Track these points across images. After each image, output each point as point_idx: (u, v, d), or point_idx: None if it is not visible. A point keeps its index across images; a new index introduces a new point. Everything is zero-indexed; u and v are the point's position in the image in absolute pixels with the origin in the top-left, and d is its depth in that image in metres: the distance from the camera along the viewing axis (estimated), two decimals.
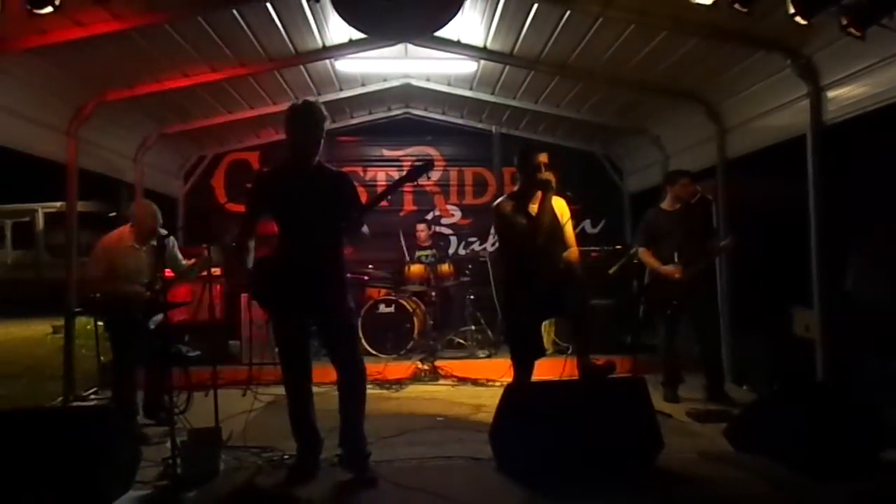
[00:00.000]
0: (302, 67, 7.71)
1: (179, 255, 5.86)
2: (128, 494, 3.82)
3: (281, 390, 4.43)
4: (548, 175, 5.06)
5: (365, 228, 4.32)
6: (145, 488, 3.96)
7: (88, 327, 6.92)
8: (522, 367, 5.13)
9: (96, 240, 5.68)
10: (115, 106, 7.09)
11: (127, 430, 4.16)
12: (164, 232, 5.54)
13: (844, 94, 5.55)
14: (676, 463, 4.41)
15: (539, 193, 5.06)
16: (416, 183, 4.47)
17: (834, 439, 4.18)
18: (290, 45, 6.93)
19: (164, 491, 3.90)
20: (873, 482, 4.02)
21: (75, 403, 6.50)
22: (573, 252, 5.13)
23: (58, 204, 14.78)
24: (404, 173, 4.40)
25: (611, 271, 6.84)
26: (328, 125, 4.29)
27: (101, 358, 6.17)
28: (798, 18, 4.09)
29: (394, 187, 4.60)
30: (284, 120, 4.24)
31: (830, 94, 5.70)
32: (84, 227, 7.44)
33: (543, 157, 5.11)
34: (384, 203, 9.86)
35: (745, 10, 4.21)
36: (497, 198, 5.46)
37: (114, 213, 12.53)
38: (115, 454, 3.81)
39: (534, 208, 5.08)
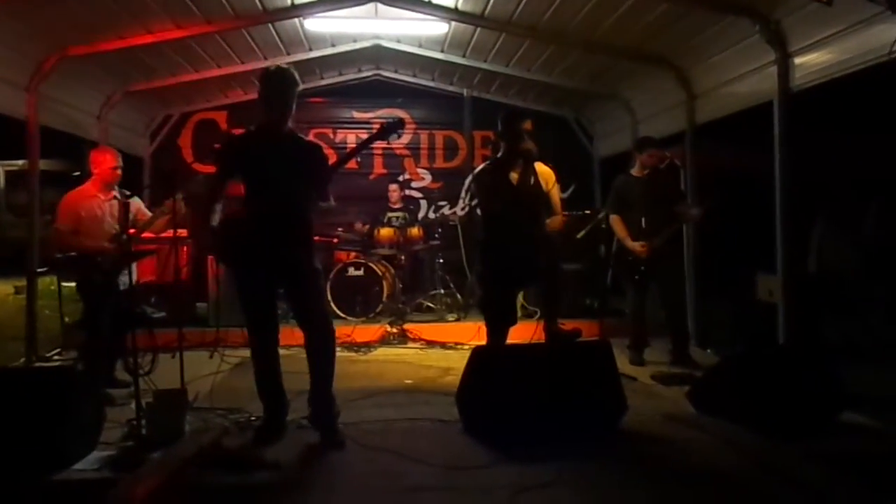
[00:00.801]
0: (270, 26, 7.58)
1: (148, 213, 5.72)
2: (92, 455, 3.80)
3: (248, 352, 4.41)
4: (531, 144, 5.04)
5: (332, 202, 4.33)
6: (109, 449, 3.93)
7: (52, 287, 6.84)
8: (497, 334, 5.16)
9: (59, 199, 5.57)
10: (77, 62, 6.91)
11: (91, 390, 4.11)
12: (127, 193, 5.46)
13: (811, 61, 5.58)
14: (640, 425, 4.49)
15: (521, 161, 5.05)
16: (386, 142, 4.43)
17: (792, 401, 4.26)
18: (258, 2, 6.79)
19: (128, 451, 3.88)
20: (829, 443, 4.12)
21: (38, 364, 6.43)
22: (557, 220, 5.15)
23: (19, 162, 14.46)
24: (374, 131, 4.36)
25: (579, 235, 6.88)
26: (299, 88, 4.25)
27: (66, 319, 6.11)
28: None
29: (363, 145, 4.55)
30: (258, 84, 4.21)
31: (798, 60, 5.72)
32: (47, 186, 7.29)
33: (528, 125, 5.09)
34: (354, 165, 9.94)
35: None
36: (468, 161, 5.44)
37: (78, 173, 12.28)
38: (78, 415, 3.78)
39: (514, 176, 5.06)
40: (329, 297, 8.10)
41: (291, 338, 4.49)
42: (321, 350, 4.27)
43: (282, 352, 4.38)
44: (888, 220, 6.28)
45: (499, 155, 5.25)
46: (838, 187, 6.87)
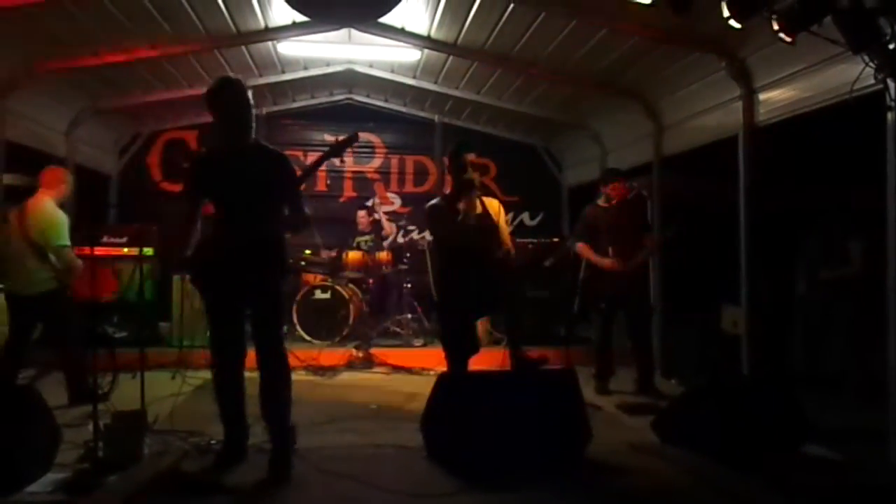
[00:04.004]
0: (244, 48, 7.59)
1: None
2: (46, 477, 3.71)
3: (210, 374, 4.35)
4: (472, 175, 5.10)
5: (306, 212, 4.27)
6: (64, 471, 3.84)
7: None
8: (457, 363, 5.15)
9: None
10: (47, 77, 6.86)
11: (45, 410, 4.02)
12: None
13: (776, 97, 5.70)
14: (605, 454, 4.46)
15: (466, 193, 5.10)
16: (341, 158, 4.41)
17: (756, 433, 4.30)
18: (232, 25, 6.80)
19: (83, 474, 3.79)
20: (793, 475, 4.15)
21: None
22: (508, 254, 5.18)
23: None
24: (328, 149, 4.37)
25: (546, 263, 6.91)
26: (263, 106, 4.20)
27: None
28: (732, 22, 4.17)
29: (319, 163, 4.51)
30: (206, 101, 4.11)
31: (762, 96, 5.85)
32: (10, 201, 7.15)
33: (471, 157, 5.15)
34: (323, 188, 10.01)
35: (681, 18, 4.28)
36: (438, 187, 5.49)
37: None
38: (32, 435, 3.70)
39: (461, 208, 5.10)
40: (295, 320, 8.05)
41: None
42: (276, 384, 4.14)
43: (246, 374, 4.31)
44: (871, 259, 6.35)
45: (448, 190, 5.32)
46: (806, 219, 6.93)
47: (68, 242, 5.41)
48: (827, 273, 6.45)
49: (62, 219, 5.40)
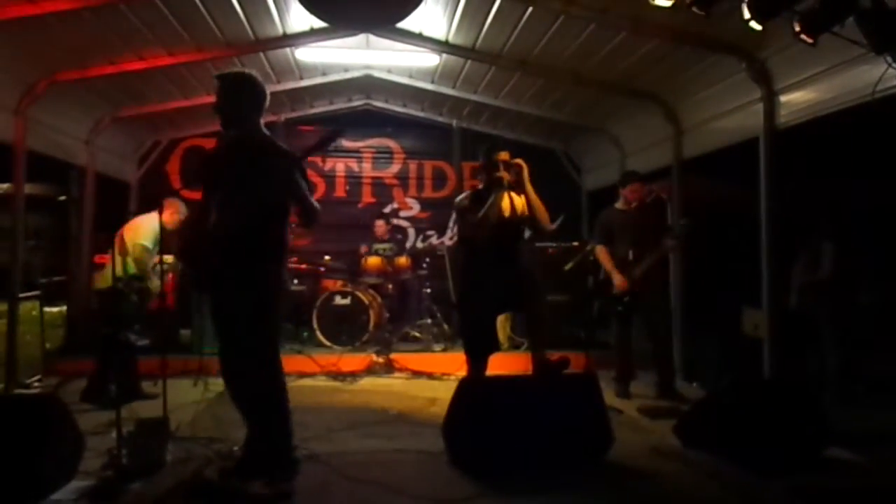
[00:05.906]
0: (261, 54, 7.59)
1: None
2: (70, 485, 3.74)
3: None
4: (503, 174, 5.07)
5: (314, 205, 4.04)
6: (88, 479, 3.87)
7: (34, 313, 6.75)
8: (476, 361, 5.14)
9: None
10: (67, 86, 6.90)
11: (68, 418, 4.04)
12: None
13: (797, 99, 5.65)
14: (626, 458, 4.47)
15: (497, 190, 5.08)
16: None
17: (778, 437, 4.26)
18: (250, 31, 6.82)
19: (107, 482, 3.81)
20: (815, 478, 4.12)
21: (18, 391, 6.34)
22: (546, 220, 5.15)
23: (4, 186, 14.37)
24: (314, 142, 4.14)
25: (566, 267, 6.88)
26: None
27: (47, 345, 6.04)
28: (753, 23, 4.14)
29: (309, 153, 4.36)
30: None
31: (783, 98, 5.79)
32: (31, 211, 7.24)
33: (503, 155, 5.12)
34: (343, 194, 10.06)
35: (703, 12, 4.24)
36: (456, 192, 5.46)
37: (64, 197, 12.25)
38: (56, 443, 3.73)
39: (494, 204, 5.08)
40: (315, 325, 8.08)
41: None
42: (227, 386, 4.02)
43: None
44: (842, 259, 6.34)
45: (480, 185, 5.30)
46: (820, 223, 6.88)
47: (149, 245, 6.02)
48: (807, 277, 6.47)
49: (153, 227, 6.01)
